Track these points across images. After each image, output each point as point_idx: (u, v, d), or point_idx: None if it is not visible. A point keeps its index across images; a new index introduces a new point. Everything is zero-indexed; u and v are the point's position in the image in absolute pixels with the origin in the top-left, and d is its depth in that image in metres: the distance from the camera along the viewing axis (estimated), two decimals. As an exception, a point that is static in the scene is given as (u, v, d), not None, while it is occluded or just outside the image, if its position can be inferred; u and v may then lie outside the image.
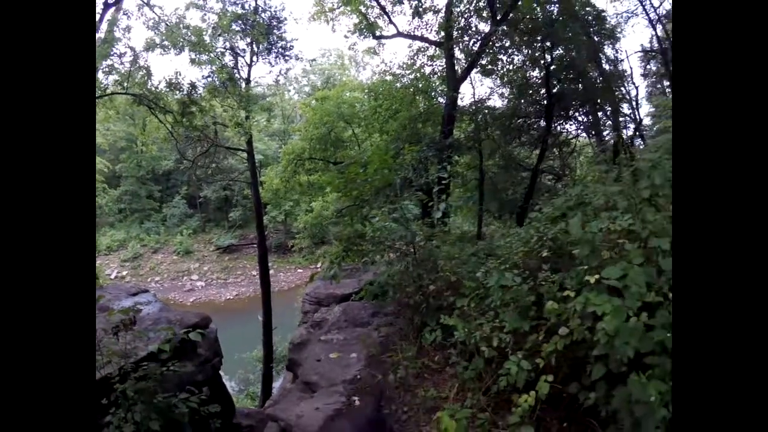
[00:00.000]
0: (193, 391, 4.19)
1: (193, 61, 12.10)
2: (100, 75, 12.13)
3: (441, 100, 13.48)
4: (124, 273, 30.48)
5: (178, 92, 11.92)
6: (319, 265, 28.28)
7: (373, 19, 13.38)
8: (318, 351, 4.71)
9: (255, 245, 30.06)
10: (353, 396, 4.06)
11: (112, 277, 29.25)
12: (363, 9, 13.17)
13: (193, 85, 11.91)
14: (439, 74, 13.48)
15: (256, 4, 13.68)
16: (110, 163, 32.44)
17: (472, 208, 13.53)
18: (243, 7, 13.46)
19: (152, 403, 3.79)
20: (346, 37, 14.04)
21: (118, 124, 29.97)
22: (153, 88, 11.75)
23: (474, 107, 12.66)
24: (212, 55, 12.76)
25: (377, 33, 13.71)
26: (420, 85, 13.69)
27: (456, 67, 12.10)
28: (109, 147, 31.62)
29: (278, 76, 14.95)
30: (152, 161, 33.86)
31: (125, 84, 11.95)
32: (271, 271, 30.62)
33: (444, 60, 12.59)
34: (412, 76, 13.78)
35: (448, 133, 11.38)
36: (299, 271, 30.89)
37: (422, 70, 13.61)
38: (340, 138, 14.77)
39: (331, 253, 5.66)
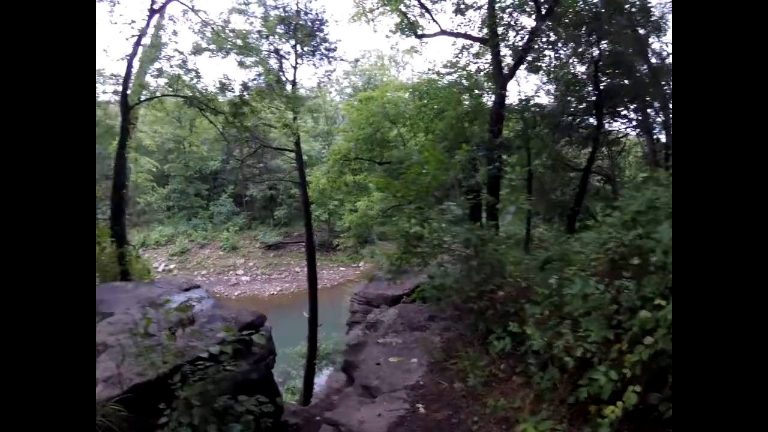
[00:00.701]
0: (256, 395, 4.18)
1: (241, 64, 12.33)
2: (148, 78, 12.60)
3: (487, 98, 13.23)
4: (172, 266, 31.57)
5: (229, 93, 12.19)
6: (361, 264, 28.45)
7: (414, 18, 13.23)
8: (376, 354, 4.65)
9: (299, 243, 30.78)
10: (417, 403, 3.98)
11: (160, 270, 30.36)
12: (403, 8, 13.01)
13: (245, 86, 12.15)
14: (485, 72, 13.21)
15: (298, 7, 13.86)
16: (159, 163, 33.64)
17: (519, 209, 13.17)
18: (284, 11, 13.67)
19: (211, 406, 3.78)
20: (387, 36, 13.93)
21: (165, 127, 31.06)
22: (204, 90, 12.05)
23: (521, 105, 12.33)
24: (258, 57, 13.01)
25: (419, 32, 13.55)
26: (466, 84, 13.46)
27: (502, 65, 11.81)
28: (157, 148, 32.76)
29: (322, 77, 15.13)
30: (199, 161, 34.95)
31: (174, 86, 12.35)
32: (314, 269, 31.26)
33: (489, 57, 12.32)
34: (457, 75, 13.58)
35: (497, 133, 11.12)
36: (341, 269, 31.24)
37: (467, 68, 13.37)
38: (386, 138, 14.71)
39: (390, 254, 5.60)
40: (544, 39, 11.81)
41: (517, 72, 12.19)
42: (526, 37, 11.46)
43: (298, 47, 14.22)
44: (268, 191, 33.35)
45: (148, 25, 11.69)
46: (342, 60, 14.58)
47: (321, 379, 14.35)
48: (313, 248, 14.29)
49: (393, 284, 8.58)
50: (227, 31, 12.47)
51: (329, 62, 15.25)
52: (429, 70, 14.55)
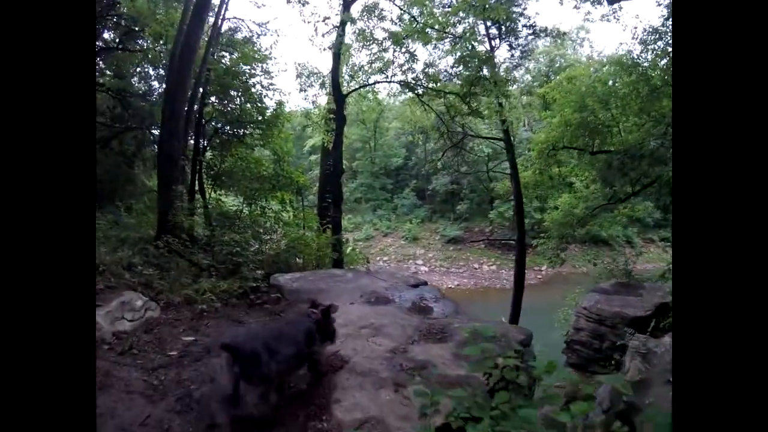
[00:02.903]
0: None
1: (453, 47, 11.97)
2: (346, 74, 13.02)
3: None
4: (357, 250, 33.98)
5: (456, 78, 11.88)
6: (543, 268, 26.12)
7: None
8: (667, 396, 3.55)
9: (479, 240, 30.03)
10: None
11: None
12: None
13: (486, 59, 11.57)
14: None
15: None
16: (347, 161, 36.90)
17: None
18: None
19: None
20: (576, 8, 12.30)
21: (352, 128, 33.46)
22: (420, 73, 12.01)
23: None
24: (463, 41, 12.52)
25: (611, -3, 11.53)
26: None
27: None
28: (345, 147, 36.07)
29: (522, 57, 13.89)
30: (384, 159, 37.73)
31: (387, 73, 12.56)
32: (492, 267, 29.91)
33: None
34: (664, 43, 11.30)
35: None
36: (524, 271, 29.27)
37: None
38: (601, 123, 12.66)
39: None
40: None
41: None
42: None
43: (494, 29, 13.28)
44: (449, 186, 33.77)
45: (347, 11, 12.19)
46: (546, 34, 13.12)
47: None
48: (523, 249, 13.13)
49: (623, 302, 7.10)
50: (425, 16, 12.27)
51: (526, 40, 14.06)
52: (633, 38, 12.40)
